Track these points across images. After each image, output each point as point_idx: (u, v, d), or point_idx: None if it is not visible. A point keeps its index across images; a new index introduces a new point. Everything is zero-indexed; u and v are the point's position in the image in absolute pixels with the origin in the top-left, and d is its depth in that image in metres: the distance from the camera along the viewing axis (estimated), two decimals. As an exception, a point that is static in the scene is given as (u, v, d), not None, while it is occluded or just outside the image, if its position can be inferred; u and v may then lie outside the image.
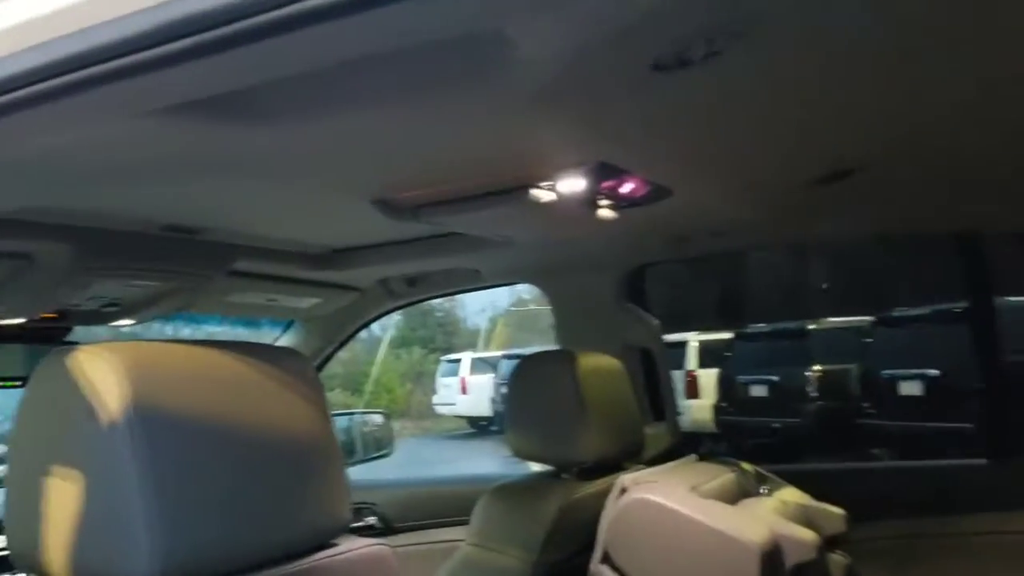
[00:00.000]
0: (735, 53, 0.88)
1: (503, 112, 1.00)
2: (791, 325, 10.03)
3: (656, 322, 2.19)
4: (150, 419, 0.71)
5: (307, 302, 2.22)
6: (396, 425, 14.85)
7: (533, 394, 1.73)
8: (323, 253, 1.93)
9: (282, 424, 0.83)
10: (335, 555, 0.86)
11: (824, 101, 1.12)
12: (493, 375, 14.48)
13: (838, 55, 0.97)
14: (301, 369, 0.89)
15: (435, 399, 16.62)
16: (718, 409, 9.85)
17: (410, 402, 19.10)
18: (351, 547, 0.89)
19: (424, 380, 19.37)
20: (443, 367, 16.87)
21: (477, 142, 1.14)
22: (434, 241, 1.87)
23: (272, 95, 0.87)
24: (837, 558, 1.67)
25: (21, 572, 0.77)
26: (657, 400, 2.21)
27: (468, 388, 15.54)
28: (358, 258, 1.94)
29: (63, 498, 0.70)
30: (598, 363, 1.78)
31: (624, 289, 2.18)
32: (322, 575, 0.84)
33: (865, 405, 8.51)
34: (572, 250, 1.98)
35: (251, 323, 2.71)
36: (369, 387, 14.76)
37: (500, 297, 24.29)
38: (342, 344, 2.57)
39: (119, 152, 0.96)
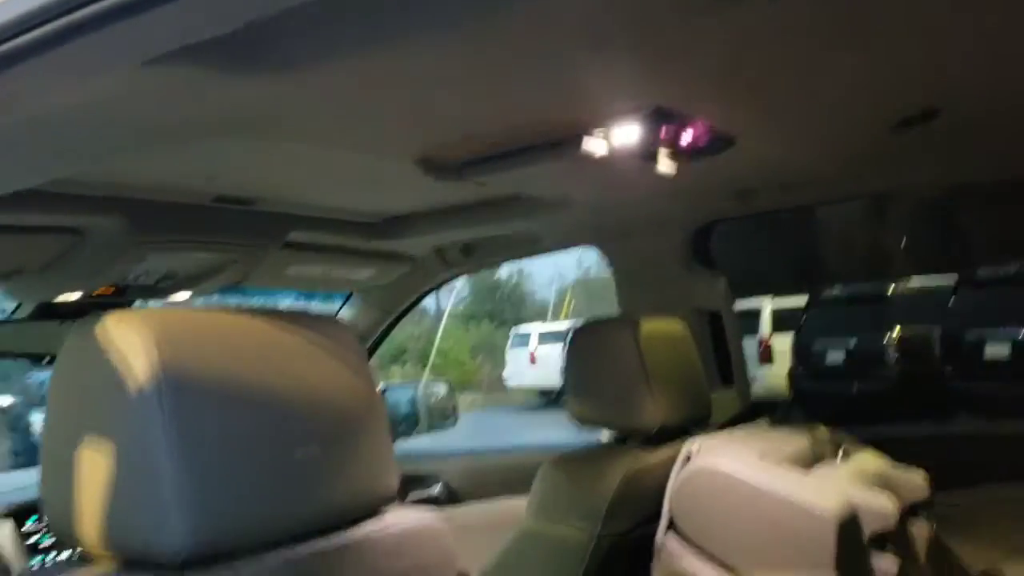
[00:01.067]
0: None
1: (548, 49, 0.93)
2: (868, 288, 9.74)
3: (724, 283, 2.10)
4: (180, 387, 0.68)
5: (363, 273, 2.19)
6: (467, 398, 14.83)
7: (594, 360, 1.67)
8: (376, 222, 1.90)
9: (321, 391, 0.79)
10: (382, 526, 0.83)
11: (909, 31, 1.01)
12: (562, 346, 14.46)
13: None
14: (342, 336, 0.85)
15: (505, 372, 16.72)
16: (793, 375, 9.64)
17: (480, 375, 19.25)
18: (400, 518, 0.85)
19: (494, 353, 19.49)
20: (512, 340, 16.96)
21: (521, 87, 1.06)
22: (488, 206, 1.81)
23: (301, 42, 0.82)
24: (920, 525, 1.58)
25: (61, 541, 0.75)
26: (726, 364, 2.12)
27: (537, 360, 15.60)
28: (411, 226, 1.91)
29: (95, 470, 0.69)
30: (661, 327, 1.70)
31: (690, 249, 2.09)
32: (368, 547, 0.80)
33: (948, 369, 8.22)
34: (633, 210, 1.90)
35: (327, 297, 2.72)
36: (432, 357, 14.91)
37: (568, 268, 24.22)
38: (401, 316, 2.54)
39: (152, 110, 0.93)
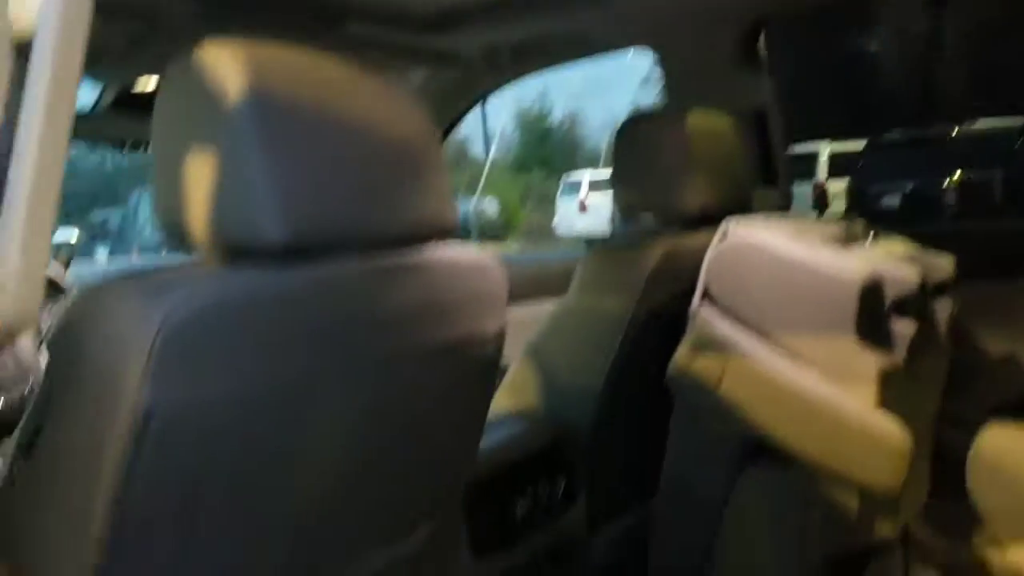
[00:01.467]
0: None
1: None
2: (929, 131, 9.43)
3: (771, 84, 2.12)
4: (269, 106, 0.77)
5: (415, 76, 2.25)
6: (515, 247, 14.87)
7: (640, 150, 1.74)
8: (429, 14, 1.94)
9: (392, 132, 0.88)
10: (445, 254, 0.94)
11: None
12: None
13: None
14: (413, 101, 0.94)
15: (555, 220, 16.74)
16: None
17: (530, 223, 19.36)
18: (461, 251, 0.96)
19: (544, 202, 19.49)
20: (563, 188, 16.86)
21: None
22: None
23: None
24: (942, 303, 1.66)
25: (171, 242, 0.86)
26: (770, 166, 2.17)
27: (588, 208, 15.56)
28: (461, 20, 1.94)
29: (199, 177, 0.77)
30: (707, 120, 1.76)
31: (739, 48, 2.09)
32: (431, 267, 0.92)
33: (1011, 213, 8.06)
34: (682, 4, 1.91)
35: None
36: (482, 184, 14.93)
37: (623, 112, 23.67)
38: (451, 126, 2.61)
39: None
